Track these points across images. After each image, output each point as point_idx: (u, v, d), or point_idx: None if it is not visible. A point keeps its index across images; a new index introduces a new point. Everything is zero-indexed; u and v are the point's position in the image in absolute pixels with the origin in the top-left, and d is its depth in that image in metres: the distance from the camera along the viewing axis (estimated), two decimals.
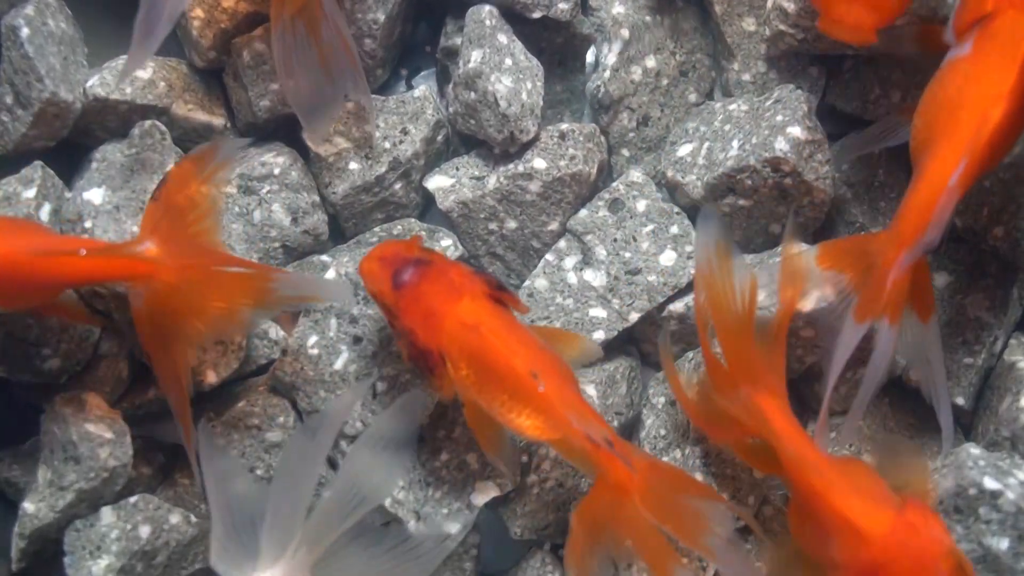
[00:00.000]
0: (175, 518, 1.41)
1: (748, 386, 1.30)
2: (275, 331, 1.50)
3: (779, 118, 1.44)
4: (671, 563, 1.25)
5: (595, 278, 1.49)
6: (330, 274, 1.47)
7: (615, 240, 1.50)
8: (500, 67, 1.49)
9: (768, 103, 1.48)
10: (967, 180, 1.23)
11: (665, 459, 1.45)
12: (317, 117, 1.44)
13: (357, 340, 1.46)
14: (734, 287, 1.31)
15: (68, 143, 1.50)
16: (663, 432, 1.47)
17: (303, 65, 1.41)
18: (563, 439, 1.25)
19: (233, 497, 1.30)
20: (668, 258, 1.49)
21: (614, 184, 1.53)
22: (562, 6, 1.52)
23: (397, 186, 1.53)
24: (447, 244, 1.50)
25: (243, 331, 1.42)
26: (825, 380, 1.28)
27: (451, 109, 1.54)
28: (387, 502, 1.42)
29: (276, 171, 1.51)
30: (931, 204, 1.22)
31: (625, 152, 1.58)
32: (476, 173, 1.53)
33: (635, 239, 1.50)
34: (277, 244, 1.51)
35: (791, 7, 1.45)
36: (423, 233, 1.50)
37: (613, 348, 1.51)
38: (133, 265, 1.31)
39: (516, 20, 1.54)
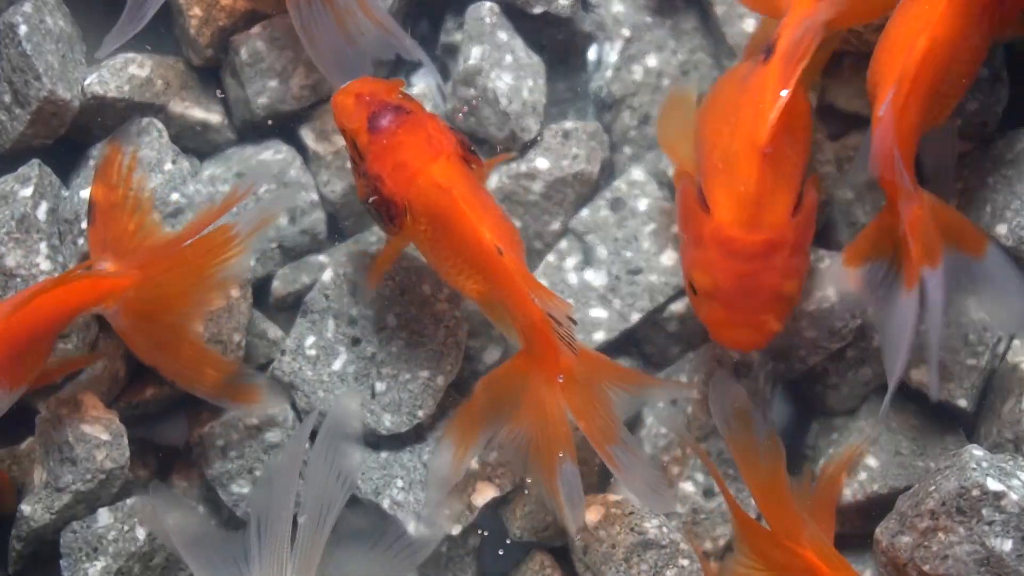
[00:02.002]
0: (172, 520, 1.40)
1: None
2: (273, 331, 1.50)
3: None
4: (564, 455, 1.27)
5: (596, 278, 1.49)
6: (327, 275, 1.46)
7: (616, 239, 1.50)
8: (500, 64, 1.49)
9: None
10: (903, 110, 1.25)
11: (665, 458, 1.45)
12: (346, 79, 1.42)
13: (355, 341, 1.45)
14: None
15: (66, 141, 1.49)
16: (663, 431, 1.46)
17: (323, 33, 1.41)
18: (499, 303, 1.29)
19: (206, 547, 1.31)
20: (669, 257, 1.48)
21: (616, 183, 1.53)
22: (562, 1, 1.52)
23: None
24: None
25: (233, 285, 1.42)
26: (893, 363, 1.28)
27: (450, 106, 1.53)
28: (386, 504, 1.42)
29: (274, 170, 1.51)
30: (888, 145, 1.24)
31: (627, 150, 1.57)
32: None
33: (636, 238, 1.50)
34: (274, 244, 1.51)
35: None
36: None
37: (614, 349, 1.50)
38: (95, 286, 1.31)
39: (516, 16, 1.53)
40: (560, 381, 1.27)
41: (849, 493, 1.42)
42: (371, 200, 1.33)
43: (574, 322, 1.27)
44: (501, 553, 1.46)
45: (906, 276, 1.28)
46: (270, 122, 1.54)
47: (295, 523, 1.31)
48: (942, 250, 1.28)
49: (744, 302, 1.30)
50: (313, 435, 1.37)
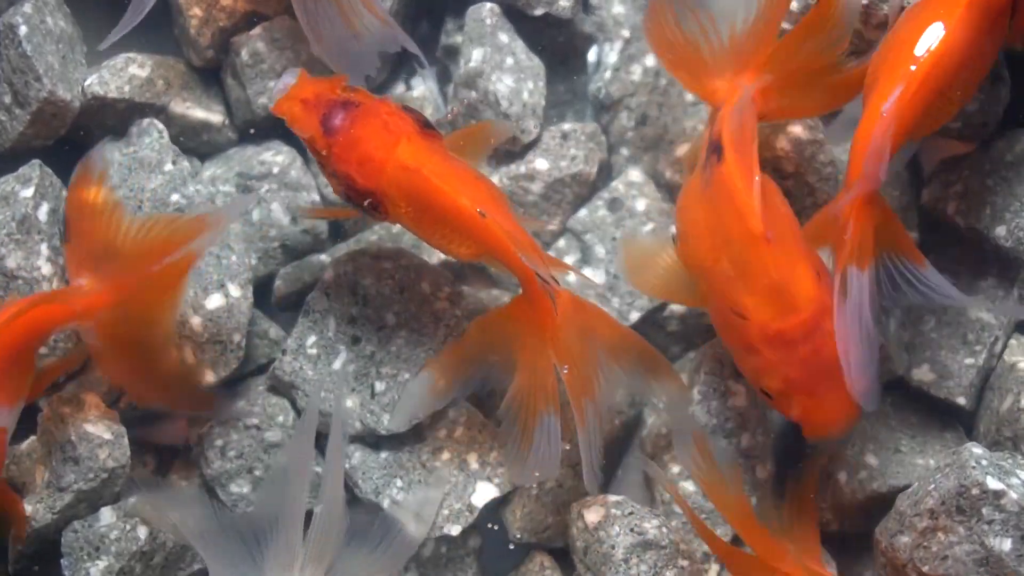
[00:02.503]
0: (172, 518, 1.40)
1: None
2: (275, 330, 1.50)
3: None
4: (547, 405, 1.29)
5: (594, 277, 1.49)
6: (329, 274, 1.46)
7: (614, 239, 1.50)
8: (501, 66, 1.49)
9: None
10: (906, 110, 1.24)
11: (665, 458, 1.45)
12: (356, 73, 1.44)
13: (356, 340, 1.45)
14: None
15: (66, 141, 1.50)
16: (664, 431, 1.46)
17: (329, 28, 1.41)
18: (497, 261, 1.32)
19: (219, 537, 1.30)
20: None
21: (613, 184, 1.53)
22: (563, 3, 1.52)
23: None
24: None
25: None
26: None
27: (450, 108, 1.54)
28: (386, 504, 1.42)
29: (275, 170, 1.51)
30: (869, 138, 1.24)
31: (624, 151, 1.57)
32: None
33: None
34: (276, 244, 1.51)
35: (794, 5, 1.44)
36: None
37: None
38: (72, 303, 1.31)
39: (517, 18, 1.54)
40: (550, 334, 1.30)
41: (849, 492, 1.42)
42: (347, 196, 1.34)
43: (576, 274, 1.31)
44: (502, 553, 1.47)
45: (836, 260, 1.27)
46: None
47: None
48: (871, 255, 1.27)
49: (822, 380, 1.27)
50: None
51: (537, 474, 1.34)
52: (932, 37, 1.26)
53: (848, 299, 1.23)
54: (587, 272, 1.50)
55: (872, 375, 1.24)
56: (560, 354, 1.30)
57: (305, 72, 1.35)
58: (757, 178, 1.25)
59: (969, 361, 1.43)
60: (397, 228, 1.51)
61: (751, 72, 1.34)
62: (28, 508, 1.37)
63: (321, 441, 1.37)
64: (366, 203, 1.33)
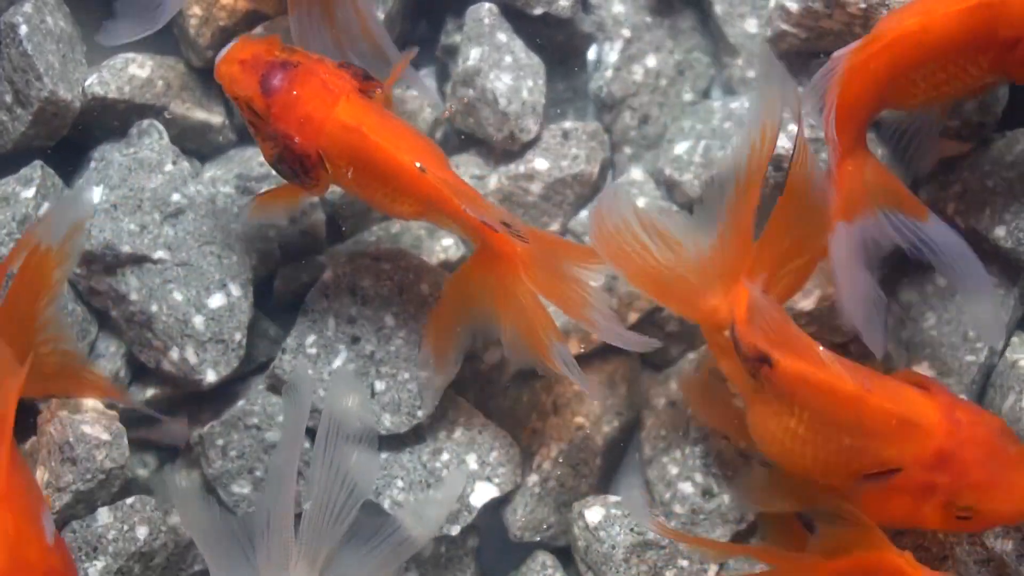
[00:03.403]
0: (173, 519, 1.40)
1: None
2: (274, 330, 1.50)
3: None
4: (549, 337, 1.30)
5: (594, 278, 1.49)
6: (328, 274, 1.46)
7: None
8: (500, 64, 1.49)
9: None
10: (861, 66, 1.27)
11: (664, 459, 1.45)
12: None
13: (355, 340, 1.45)
14: None
15: (67, 142, 1.50)
16: (663, 432, 1.46)
17: (319, 47, 1.41)
18: (442, 218, 1.34)
19: (220, 537, 1.30)
20: None
21: (616, 182, 1.53)
22: (563, 3, 1.52)
23: None
24: (448, 244, 1.50)
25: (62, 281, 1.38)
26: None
27: (448, 105, 1.54)
28: (386, 504, 1.42)
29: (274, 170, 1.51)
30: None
31: (627, 150, 1.58)
32: (476, 172, 1.53)
33: None
34: (275, 244, 1.51)
35: (794, 7, 1.45)
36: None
37: (612, 349, 1.50)
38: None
39: (516, 17, 1.53)
40: (522, 270, 1.31)
41: None
42: (282, 159, 1.34)
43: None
44: (503, 552, 1.47)
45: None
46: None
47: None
48: (864, 209, 1.27)
49: (998, 464, 1.21)
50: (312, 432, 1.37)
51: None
52: (913, 16, 1.27)
53: (838, 254, 1.24)
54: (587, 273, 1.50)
55: (881, 325, 1.25)
56: (540, 285, 1.31)
57: (247, 39, 1.36)
58: (821, 349, 1.22)
59: (970, 358, 1.43)
60: (396, 229, 1.51)
61: (742, 277, 1.30)
62: None
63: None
64: (300, 166, 1.33)
